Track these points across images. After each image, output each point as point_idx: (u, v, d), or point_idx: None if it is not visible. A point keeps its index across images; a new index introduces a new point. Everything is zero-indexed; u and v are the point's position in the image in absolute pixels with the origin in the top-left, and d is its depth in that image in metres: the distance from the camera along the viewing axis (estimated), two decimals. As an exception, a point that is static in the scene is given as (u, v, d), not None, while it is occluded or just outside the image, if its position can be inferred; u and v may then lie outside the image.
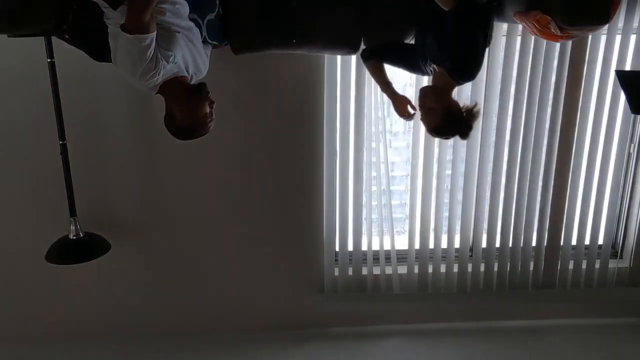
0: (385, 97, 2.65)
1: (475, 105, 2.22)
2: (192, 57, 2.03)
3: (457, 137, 2.26)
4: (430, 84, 2.35)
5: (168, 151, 2.90)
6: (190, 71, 2.04)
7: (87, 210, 2.85)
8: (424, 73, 2.42)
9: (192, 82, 2.06)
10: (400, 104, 2.54)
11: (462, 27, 2.07)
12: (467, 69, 2.17)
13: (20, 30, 1.91)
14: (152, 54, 1.79)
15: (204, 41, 2.14)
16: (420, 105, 2.27)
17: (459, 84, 2.26)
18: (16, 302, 3.12)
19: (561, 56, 2.87)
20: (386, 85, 2.55)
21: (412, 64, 2.40)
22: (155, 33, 1.78)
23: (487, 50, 2.21)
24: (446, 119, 2.18)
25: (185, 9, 1.97)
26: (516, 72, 2.89)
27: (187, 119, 1.95)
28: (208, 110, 1.97)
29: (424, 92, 2.26)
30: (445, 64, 2.16)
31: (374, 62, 2.51)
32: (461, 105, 2.22)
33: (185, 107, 1.95)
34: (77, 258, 2.74)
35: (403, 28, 2.41)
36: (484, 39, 2.15)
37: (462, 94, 2.77)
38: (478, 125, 2.97)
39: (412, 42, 2.43)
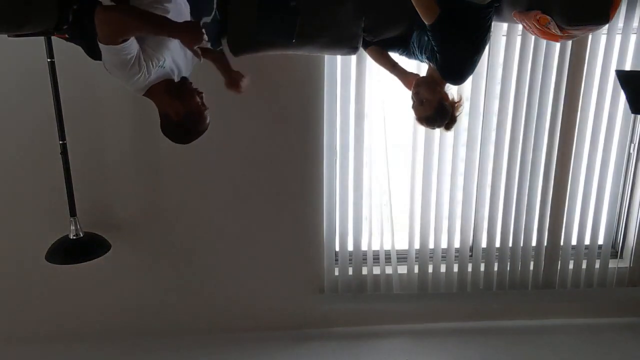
0: (386, 97, 2.65)
1: (461, 98, 2.33)
2: (184, 59, 2.03)
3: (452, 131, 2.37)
4: (426, 74, 2.38)
5: (168, 151, 2.90)
6: (182, 75, 2.04)
7: (87, 210, 2.85)
8: (421, 61, 2.46)
9: None
10: (410, 84, 2.46)
11: (447, 39, 2.12)
12: (455, 76, 2.26)
13: (20, 30, 1.91)
14: (133, 59, 1.82)
15: None
16: (414, 93, 2.33)
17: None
18: (16, 302, 3.12)
19: (561, 56, 2.87)
20: (393, 67, 2.54)
21: (410, 53, 2.42)
22: (131, 40, 1.79)
23: (481, 54, 2.23)
24: (439, 111, 2.28)
25: (186, 8, 1.97)
26: (516, 72, 2.89)
27: (181, 111, 1.97)
28: (198, 100, 2.00)
29: (419, 83, 2.32)
30: (437, 65, 2.22)
31: (375, 47, 2.51)
32: (449, 97, 2.31)
33: (176, 101, 1.96)
34: (77, 258, 2.74)
35: (402, 27, 2.41)
36: (475, 47, 2.17)
37: (459, 91, 2.77)
38: (478, 125, 2.99)
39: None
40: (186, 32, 1.87)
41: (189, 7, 1.99)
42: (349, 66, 2.85)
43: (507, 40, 2.84)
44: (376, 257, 3.19)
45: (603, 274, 3.29)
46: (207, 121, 2.05)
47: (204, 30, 1.89)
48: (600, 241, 3.27)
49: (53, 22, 1.90)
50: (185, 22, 1.93)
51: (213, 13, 2.18)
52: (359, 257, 3.18)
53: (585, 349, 3.14)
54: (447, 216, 3.15)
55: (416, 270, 3.21)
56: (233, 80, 2.43)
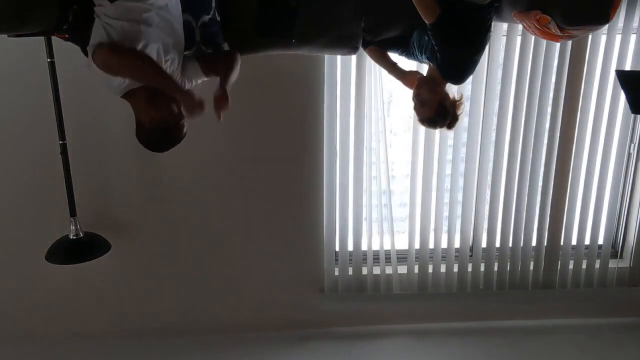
0: (386, 97, 2.65)
1: (461, 97, 2.33)
2: (172, 40, 1.98)
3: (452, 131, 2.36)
4: (426, 74, 2.37)
5: (168, 151, 2.89)
6: (169, 57, 2.00)
7: (87, 210, 2.85)
8: (421, 62, 2.45)
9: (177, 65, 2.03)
10: (412, 84, 2.42)
11: (448, 38, 2.12)
12: (455, 76, 2.26)
13: (20, 30, 1.91)
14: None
15: (197, 45, 2.12)
16: (415, 95, 2.33)
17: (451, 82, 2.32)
18: (16, 302, 3.12)
19: (561, 56, 2.87)
20: (392, 67, 2.52)
21: (410, 53, 2.42)
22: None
23: (482, 54, 2.23)
24: (440, 111, 2.27)
25: (177, 12, 1.96)
26: (516, 72, 2.89)
27: (155, 118, 1.90)
28: (176, 110, 1.93)
29: (419, 84, 2.31)
30: (437, 65, 2.22)
31: (375, 47, 2.51)
32: (450, 97, 2.30)
33: (150, 108, 1.91)
34: (77, 258, 2.75)
35: (402, 27, 2.42)
36: (475, 47, 2.18)
37: (459, 90, 2.76)
38: (478, 125, 2.99)
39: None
40: (189, 100, 1.88)
41: (180, 9, 1.97)
42: (349, 66, 2.85)
43: (507, 40, 2.83)
44: (376, 257, 3.19)
45: (603, 274, 3.29)
46: (184, 131, 1.98)
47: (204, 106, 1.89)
48: (600, 241, 3.27)
49: (53, 22, 1.91)
50: (190, 91, 1.93)
51: (212, 12, 2.17)
52: (359, 257, 3.18)
53: (585, 349, 3.14)
54: (447, 216, 3.15)
55: (416, 270, 3.21)
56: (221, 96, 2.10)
